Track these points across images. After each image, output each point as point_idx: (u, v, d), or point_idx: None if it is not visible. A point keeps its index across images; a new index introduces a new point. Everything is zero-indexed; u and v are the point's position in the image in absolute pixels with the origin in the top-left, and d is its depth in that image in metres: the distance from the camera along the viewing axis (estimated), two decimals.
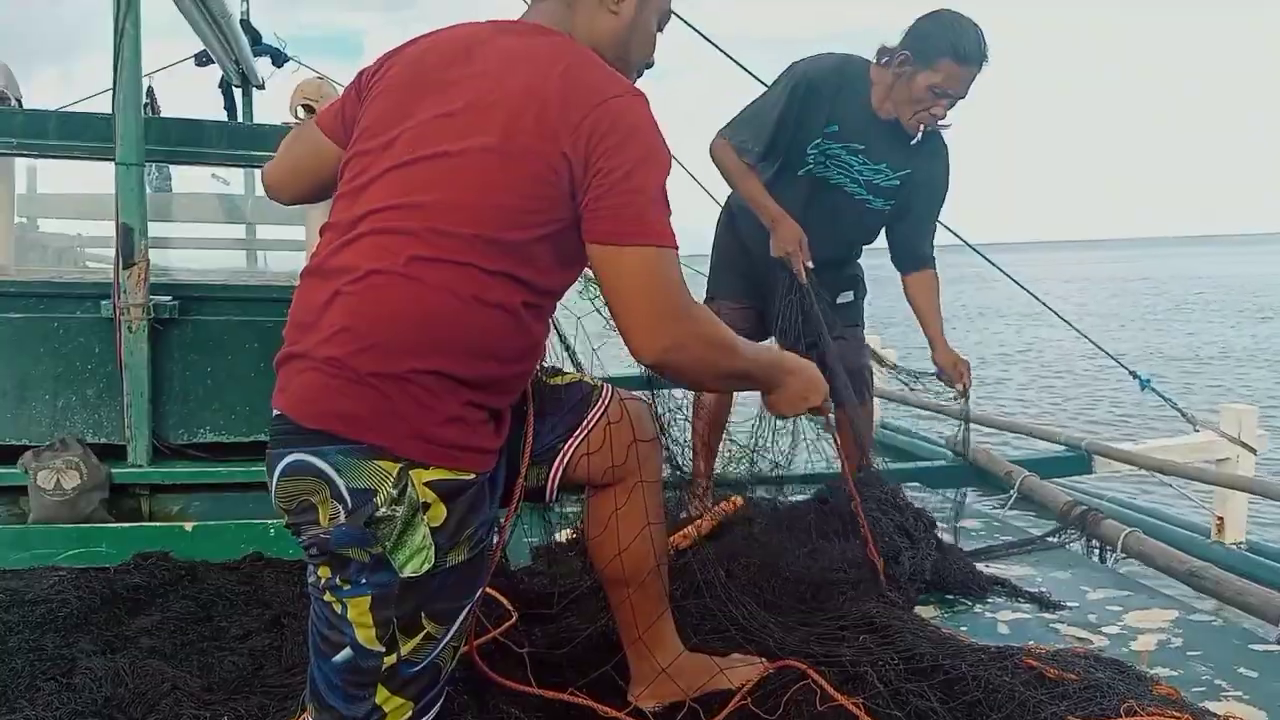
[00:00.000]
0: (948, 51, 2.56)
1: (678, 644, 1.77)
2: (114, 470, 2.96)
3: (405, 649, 1.28)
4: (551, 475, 1.58)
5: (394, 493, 1.24)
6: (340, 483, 1.24)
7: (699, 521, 2.53)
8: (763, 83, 3.15)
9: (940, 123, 2.71)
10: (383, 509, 1.24)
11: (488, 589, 1.75)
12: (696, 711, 1.63)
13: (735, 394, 3.03)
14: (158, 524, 2.94)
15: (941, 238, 3.94)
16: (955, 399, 2.99)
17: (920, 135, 2.73)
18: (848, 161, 2.74)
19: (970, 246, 4.36)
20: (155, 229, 3.45)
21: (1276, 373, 13.07)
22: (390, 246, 1.27)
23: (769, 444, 3.10)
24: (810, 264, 2.65)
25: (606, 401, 1.61)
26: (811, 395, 1.63)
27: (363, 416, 1.24)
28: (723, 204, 3.04)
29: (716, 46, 3.57)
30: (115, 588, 2.44)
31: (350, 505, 1.24)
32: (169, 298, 3.06)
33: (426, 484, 1.26)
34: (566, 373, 1.68)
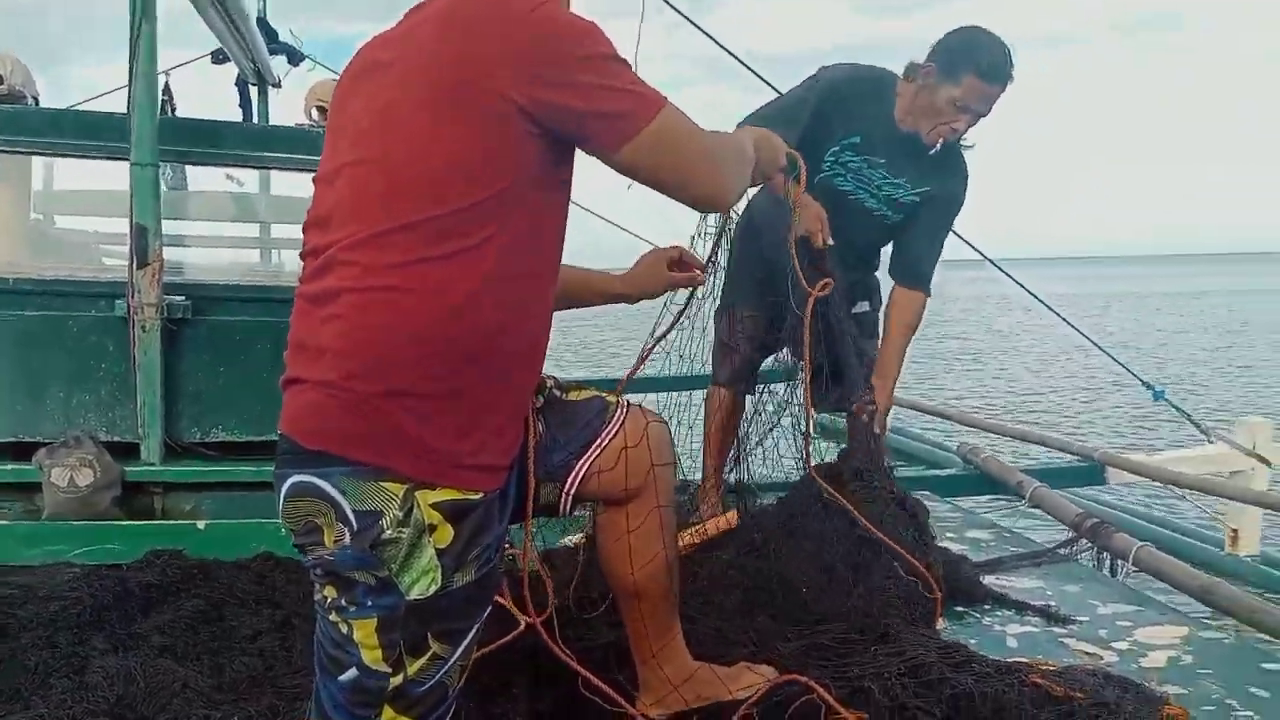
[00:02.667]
0: (972, 68, 2.54)
1: (687, 658, 1.77)
2: (127, 468, 2.98)
3: (412, 669, 1.27)
4: (565, 492, 1.57)
5: (400, 514, 1.23)
6: (345, 505, 1.23)
7: (699, 529, 2.54)
8: (778, 91, 3.13)
9: (964, 142, 2.70)
10: (389, 531, 1.22)
11: (501, 600, 1.76)
12: None
13: (747, 397, 3.01)
14: (170, 522, 2.96)
15: (960, 252, 3.94)
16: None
17: (939, 147, 2.72)
18: (868, 176, 2.73)
19: (989, 260, 4.35)
20: (169, 227, 3.47)
21: None
22: (364, 262, 1.24)
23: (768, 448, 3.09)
24: (831, 241, 2.62)
25: (622, 420, 1.60)
26: (778, 150, 1.73)
27: (365, 436, 1.23)
28: (743, 209, 3.02)
29: (733, 55, 3.57)
30: (128, 585, 2.45)
31: (356, 528, 1.23)
32: (182, 297, 3.09)
33: (433, 505, 1.25)
34: (582, 387, 1.67)
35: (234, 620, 2.34)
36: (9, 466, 2.98)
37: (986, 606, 2.35)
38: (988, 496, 3.89)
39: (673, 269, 1.93)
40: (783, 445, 3.25)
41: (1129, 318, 26.12)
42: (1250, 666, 2.02)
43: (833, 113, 2.68)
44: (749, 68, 3.62)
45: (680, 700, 1.72)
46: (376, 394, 1.22)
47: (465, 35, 1.24)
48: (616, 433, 1.59)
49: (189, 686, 1.95)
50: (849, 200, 2.75)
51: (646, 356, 2.25)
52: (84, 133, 3.19)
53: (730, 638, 1.94)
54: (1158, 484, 4.09)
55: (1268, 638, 2.20)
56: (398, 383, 1.23)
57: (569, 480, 1.57)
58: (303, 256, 1.35)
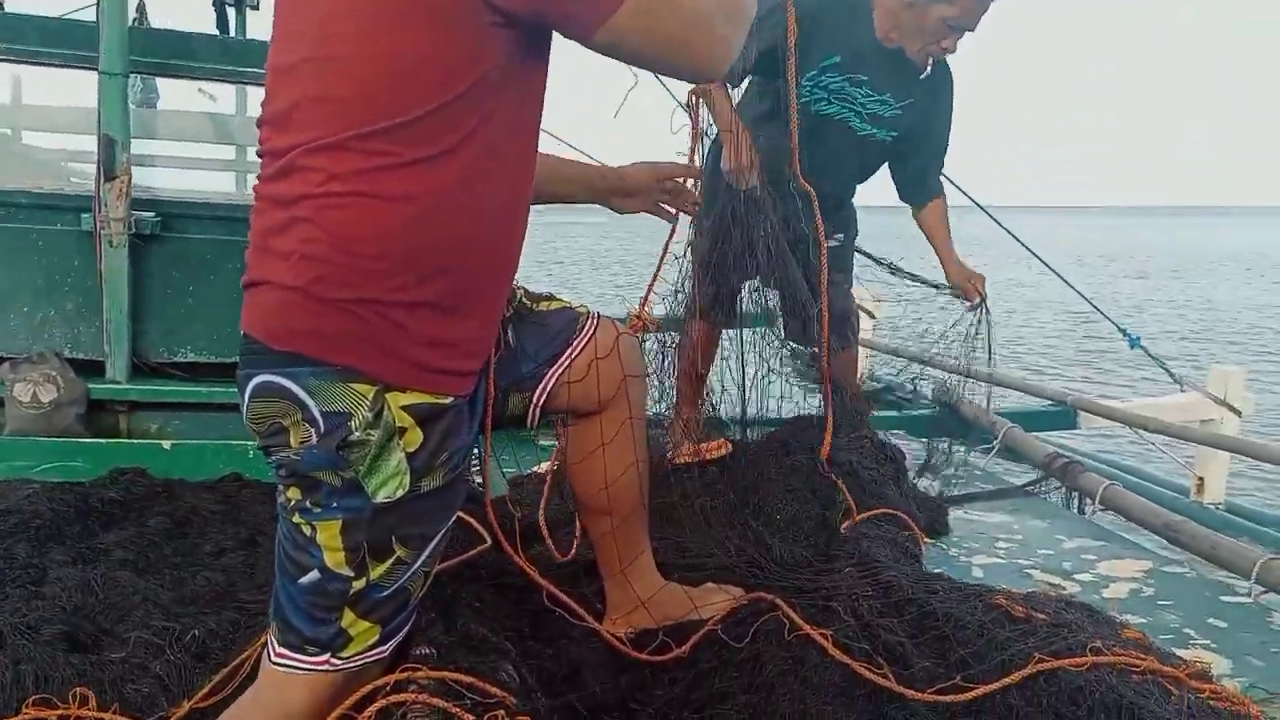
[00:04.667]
0: None
1: (656, 575, 1.78)
2: (92, 386, 2.93)
3: (375, 573, 1.26)
4: (533, 402, 1.56)
5: (370, 416, 1.21)
6: (313, 405, 1.20)
7: (694, 449, 2.55)
8: None
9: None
10: (357, 433, 1.20)
11: (463, 516, 1.74)
12: (668, 640, 1.63)
13: (722, 332, 3.00)
14: (135, 441, 2.92)
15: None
16: (970, 310, 3.03)
17: (930, 68, 2.67)
18: (851, 94, 2.67)
19: (980, 207, 4.31)
20: (140, 146, 3.39)
21: (1264, 337, 13.15)
22: (328, 168, 1.18)
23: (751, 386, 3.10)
24: (757, 182, 2.57)
25: (594, 331, 1.58)
26: None
27: (334, 338, 1.20)
28: (711, 141, 2.96)
29: None
30: (90, 501, 2.43)
31: (323, 428, 1.21)
32: (151, 213, 3.01)
33: (403, 408, 1.23)
34: (554, 298, 1.65)
35: (198, 537, 2.32)
36: None
37: (954, 539, 2.37)
38: (961, 437, 3.90)
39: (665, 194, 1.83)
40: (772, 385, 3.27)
41: (1126, 263, 26.33)
42: (1210, 599, 2.05)
43: (808, 35, 2.59)
44: None
45: (647, 618, 1.73)
46: (346, 300, 1.19)
47: None
48: (587, 344, 1.57)
49: (149, 599, 1.94)
50: (834, 124, 2.70)
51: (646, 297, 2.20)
52: (50, 39, 3.08)
53: (702, 557, 1.94)
54: (1130, 434, 4.12)
55: (1228, 572, 2.23)
56: (367, 291, 1.20)
57: (538, 390, 1.55)
58: (260, 154, 1.29)
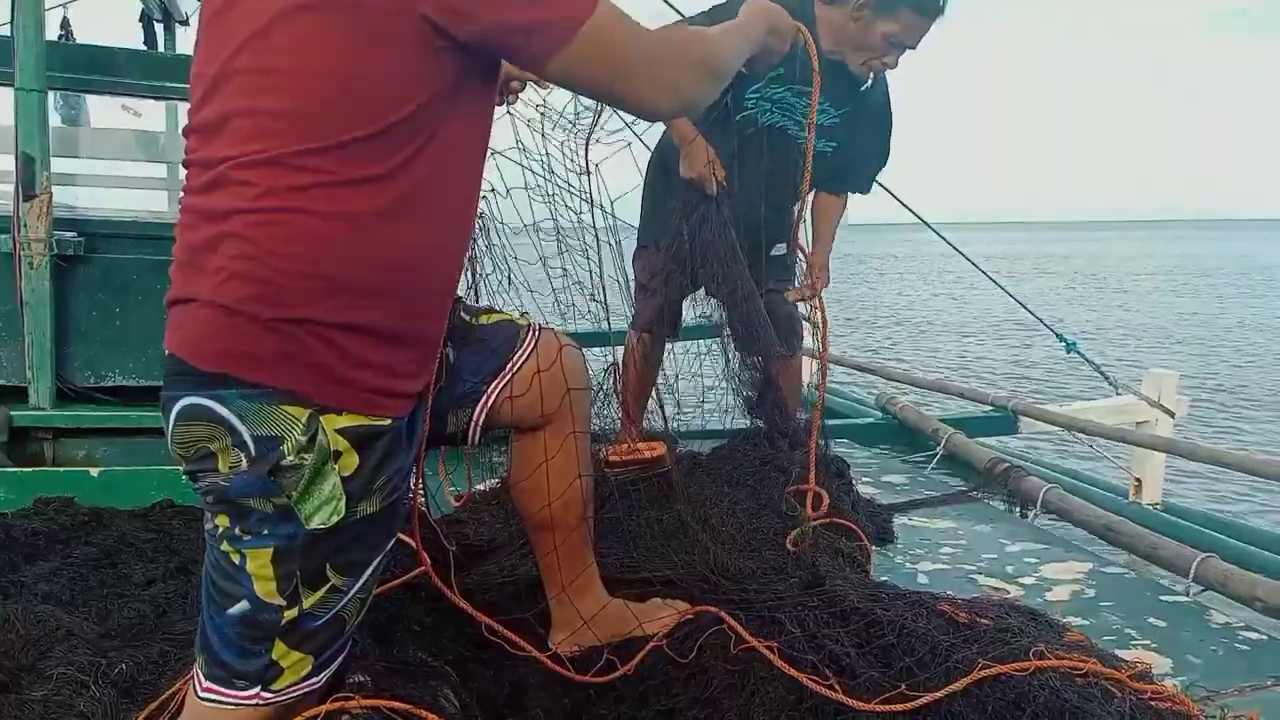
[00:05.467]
0: (909, 3, 2.52)
1: (602, 593, 1.75)
2: (14, 413, 2.83)
3: (308, 602, 1.21)
4: (474, 418, 1.52)
5: (303, 440, 1.16)
6: (243, 429, 1.15)
7: (630, 447, 2.51)
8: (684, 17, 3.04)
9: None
10: (290, 457, 1.15)
11: (403, 537, 1.70)
12: (613, 659, 1.61)
13: (666, 345, 2.99)
14: (62, 469, 2.82)
15: (899, 215, 3.96)
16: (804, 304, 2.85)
17: (871, 81, 2.70)
18: (792, 104, 2.68)
19: (925, 223, 4.38)
20: (64, 165, 3.28)
21: (1199, 342, 13.55)
22: (263, 183, 1.14)
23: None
24: (722, 181, 2.59)
25: (535, 343, 1.55)
26: (782, 25, 1.65)
27: (266, 358, 1.15)
28: (653, 148, 2.95)
29: None
30: (12, 533, 2.35)
31: (254, 453, 1.15)
32: (74, 233, 2.92)
33: (339, 430, 1.18)
34: (493, 311, 1.61)
35: (127, 568, 2.24)
36: None
37: (900, 545, 2.38)
38: (905, 444, 3.95)
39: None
40: (714, 395, 3.26)
41: (1065, 275, 27.00)
42: (1150, 599, 2.08)
43: None
44: None
45: (592, 636, 1.69)
46: (279, 319, 1.14)
47: None
48: (528, 357, 1.54)
49: (73, 633, 1.85)
50: (774, 133, 2.70)
51: None
52: None
53: (648, 571, 1.92)
54: (1069, 438, 4.21)
55: (1167, 572, 2.27)
56: (301, 310, 1.15)
57: (478, 407, 1.52)
58: (187, 165, 1.24)
